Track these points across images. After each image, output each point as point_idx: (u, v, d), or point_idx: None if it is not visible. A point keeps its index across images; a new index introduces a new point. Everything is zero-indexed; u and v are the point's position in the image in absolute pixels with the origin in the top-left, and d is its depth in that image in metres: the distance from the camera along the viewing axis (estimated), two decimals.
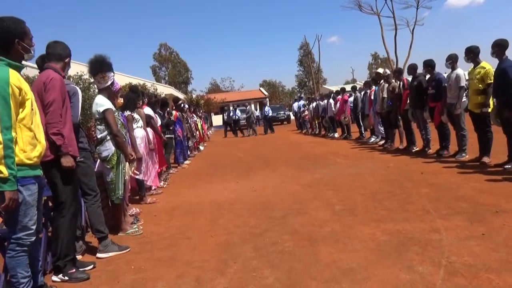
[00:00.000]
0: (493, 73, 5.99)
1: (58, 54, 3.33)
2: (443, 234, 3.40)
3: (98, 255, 3.75)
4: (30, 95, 2.54)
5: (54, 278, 3.21)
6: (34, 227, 2.53)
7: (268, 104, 35.56)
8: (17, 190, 2.40)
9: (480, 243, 3.09)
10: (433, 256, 2.95)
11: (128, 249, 3.87)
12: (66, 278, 3.18)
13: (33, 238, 2.54)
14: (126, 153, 4.40)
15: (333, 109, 14.49)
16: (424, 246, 3.16)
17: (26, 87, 2.51)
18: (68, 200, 3.21)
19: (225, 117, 23.37)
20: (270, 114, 23.64)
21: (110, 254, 3.75)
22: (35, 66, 3.56)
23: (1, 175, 2.30)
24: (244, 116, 23.08)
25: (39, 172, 2.64)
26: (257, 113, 26.10)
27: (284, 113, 34.10)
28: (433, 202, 4.42)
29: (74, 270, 3.24)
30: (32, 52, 2.67)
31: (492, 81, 6.00)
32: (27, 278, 2.52)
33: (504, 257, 2.80)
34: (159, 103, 8.62)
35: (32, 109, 2.54)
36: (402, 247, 3.21)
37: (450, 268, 2.73)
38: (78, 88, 3.76)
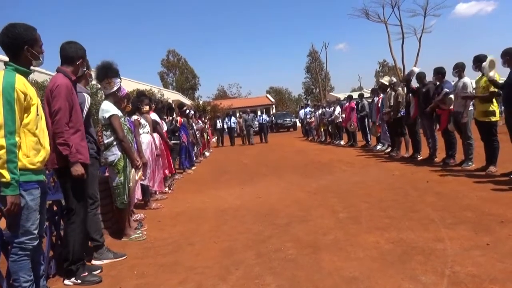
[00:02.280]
0: (503, 82, 5.94)
1: (69, 57, 3.30)
2: (447, 243, 3.37)
3: (93, 262, 3.73)
4: (35, 100, 2.57)
5: (67, 282, 3.23)
6: (36, 231, 2.54)
7: (274, 111, 35.37)
8: (19, 195, 2.42)
9: (485, 253, 3.06)
10: (436, 265, 2.92)
11: (124, 257, 3.82)
12: (79, 281, 3.20)
13: (36, 243, 2.55)
14: (132, 158, 4.41)
15: (339, 116, 14.47)
16: (428, 256, 3.13)
17: (32, 92, 2.54)
18: (77, 207, 3.23)
19: (219, 125, 21.17)
20: (264, 122, 22.19)
21: (105, 261, 3.71)
22: (44, 71, 3.56)
23: (4, 179, 2.33)
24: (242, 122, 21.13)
25: (42, 177, 2.66)
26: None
27: (291, 120, 34.21)
28: (438, 211, 4.38)
29: (86, 273, 3.26)
30: (41, 59, 2.70)
31: (495, 90, 5.99)
32: (29, 282, 2.53)
33: (509, 268, 2.77)
34: (166, 109, 8.66)
35: (37, 114, 2.57)
36: (405, 256, 3.18)
37: (454, 278, 2.70)
38: (87, 96, 3.68)
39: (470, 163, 6.92)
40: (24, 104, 2.46)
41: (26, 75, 2.59)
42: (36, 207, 2.53)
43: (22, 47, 2.57)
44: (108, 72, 4.34)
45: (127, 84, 18.64)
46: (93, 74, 4.42)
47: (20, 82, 2.46)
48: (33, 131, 2.52)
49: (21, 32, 2.57)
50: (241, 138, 20.99)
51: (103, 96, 4.77)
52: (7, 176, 2.33)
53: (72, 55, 3.30)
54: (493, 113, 6.16)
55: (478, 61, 6.38)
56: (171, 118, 9.29)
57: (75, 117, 3.15)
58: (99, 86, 4.56)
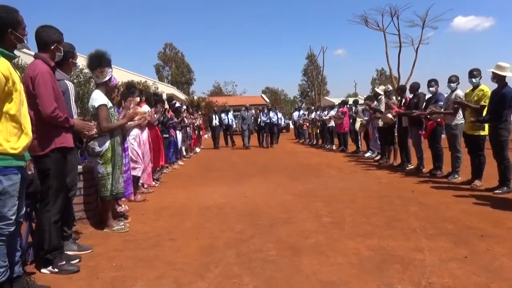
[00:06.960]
0: (491, 97, 6.01)
1: (43, 42, 3.19)
2: (426, 254, 3.39)
3: None
4: (19, 86, 2.53)
5: (44, 270, 3.19)
6: (13, 217, 2.49)
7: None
8: None
9: (462, 266, 3.09)
10: (413, 275, 2.94)
11: (89, 250, 3.72)
12: (56, 270, 3.16)
13: (12, 228, 2.50)
14: (123, 123, 4.67)
15: (333, 119, 14.50)
16: (406, 265, 3.15)
17: (16, 77, 2.49)
18: (53, 196, 3.18)
19: (216, 122, 17.31)
20: (274, 122, 17.62)
21: (68, 253, 3.57)
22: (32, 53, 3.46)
23: None
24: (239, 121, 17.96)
25: (23, 163, 2.62)
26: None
27: (284, 122, 34.11)
28: (420, 221, 4.42)
29: (64, 262, 3.22)
30: (25, 41, 2.66)
31: (486, 104, 6.06)
32: (3, 268, 2.48)
33: (483, 281, 2.80)
34: (152, 99, 8.49)
35: (20, 100, 2.53)
36: (384, 264, 3.20)
37: None
38: (69, 83, 3.62)
39: (456, 176, 6.98)
40: (5, 88, 2.40)
41: (10, 59, 2.54)
42: (15, 192, 2.48)
43: (5, 30, 2.51)
44: (101, 61, 4.30)
45: (122, 75, 18.50)
46: (85, 63, 4.38)
47: (4, 66, 2.41)
48: (16, 116, 2.47)
49: (2, 15, 2.52)
50: (242, 137, 17.30)
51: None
52: None
53: (45, 40, 3.19)
54: (482, 127, 6.21)
55: (472, 76, 6.44)
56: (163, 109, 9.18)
57: (57, 105, 3.12)
58: (91, 74, 4.51)
